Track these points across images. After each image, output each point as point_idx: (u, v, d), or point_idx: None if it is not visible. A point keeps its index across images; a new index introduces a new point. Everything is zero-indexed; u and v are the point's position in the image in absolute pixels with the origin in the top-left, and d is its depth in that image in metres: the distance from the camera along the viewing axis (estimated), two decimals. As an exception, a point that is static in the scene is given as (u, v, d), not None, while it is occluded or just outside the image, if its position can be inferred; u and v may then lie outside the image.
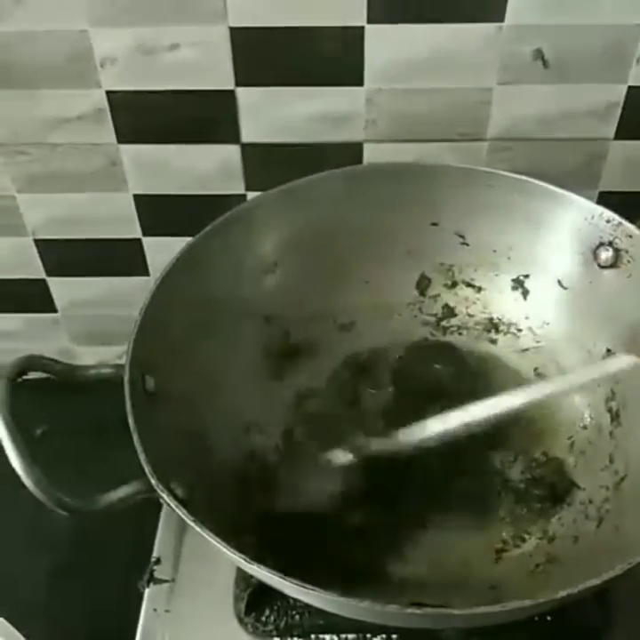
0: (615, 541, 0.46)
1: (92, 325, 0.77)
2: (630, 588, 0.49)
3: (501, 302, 0.61)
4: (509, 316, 0.61)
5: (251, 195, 0.66)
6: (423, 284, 0.63)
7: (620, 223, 0.54)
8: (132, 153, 0.64)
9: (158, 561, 0.56)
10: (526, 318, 0.60)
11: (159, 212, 0.68)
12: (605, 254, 0.55)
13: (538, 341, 0.60)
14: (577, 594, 0.37)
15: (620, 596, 0.51)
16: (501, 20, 0.56)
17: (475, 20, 0.57)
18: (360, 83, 0.60)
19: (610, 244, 0.55)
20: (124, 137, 0.63)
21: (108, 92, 0.60)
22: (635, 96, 0.60)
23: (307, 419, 0.58)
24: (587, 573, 0.38)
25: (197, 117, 0.62)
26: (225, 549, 0.39)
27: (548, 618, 0.50)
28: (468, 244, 0.61)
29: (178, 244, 0.54)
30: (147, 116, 0.62)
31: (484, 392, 0.57)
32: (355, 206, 0.59)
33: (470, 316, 0.62)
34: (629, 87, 0.60)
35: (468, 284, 0.62)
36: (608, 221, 0.55)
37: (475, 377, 0.59)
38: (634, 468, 0.50)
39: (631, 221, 0.54)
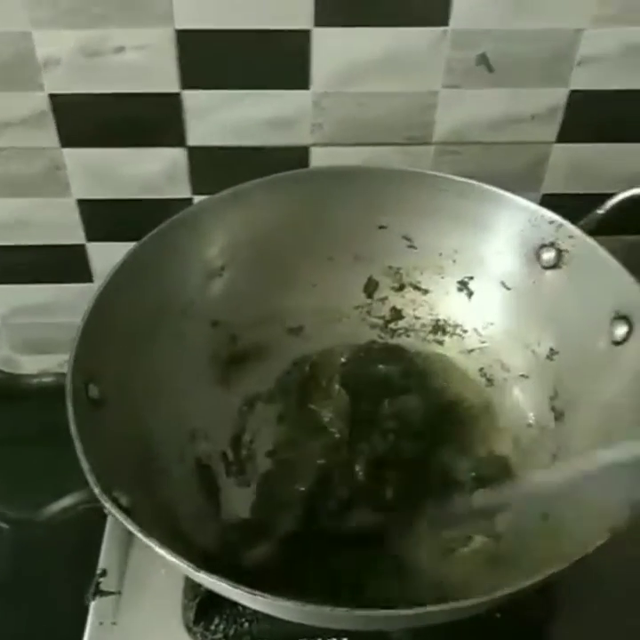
0: (560, 537, 0.46)
1: (34, 333, 0.76)
2: (575, 581, 0.49)
3: (447, 304, 0.62)
4: (455, 317, 0.62)
5: (197, 198, 0.66)
6: (371, 287, 0.63)
7: (562, 224, 0.55)
8: (75, 157, 0.63)
9: (104, 573, 0.55)
10: (471, 319, 0.61)
11: (103, 217, 0.67)
12: (548, 255, 0.56)
13: (483, 342, 0.60)
14: (519, 591, 0.38)
15: (566, 589, 0.51)
16: (446, 24, 0.57)
17: (420, 23, 0.57)
18: (306, 86, 0.60)
19: (552, 244, 0.56)
20: (67, 141, 0.62)
21: (51, 95, 0.59)
22: (576, 99, 0.61)
23: (254, 424, 0.57)
24: (533, 570, 0.39)
25: (143, 120, 0.62)
26: (171, 558, 0.38)
27: (498, 615, 0.51)
28: (415, 247, 0.61)
29: (123, 249, 0.53)
30: (91, 120, 0.61)
31: (431, 392, 0.59)
32: (302, 210, 0.59)
33: (417, 318, 0.63)
34: (571, 91, 0.61)
35: (415, 287, 0.62)
36: (550, 223, 0.55)
37: (422, 377, 0.60)
38: (577, 465, 0.51)
39: (573, 222, 0.55)
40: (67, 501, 0.42)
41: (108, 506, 0.40)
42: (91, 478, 0.41)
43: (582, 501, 0.45)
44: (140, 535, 0.39)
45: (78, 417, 0.43)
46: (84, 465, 0.41)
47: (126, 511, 0.41)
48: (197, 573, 0.38)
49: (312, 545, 0.50)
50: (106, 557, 0.56)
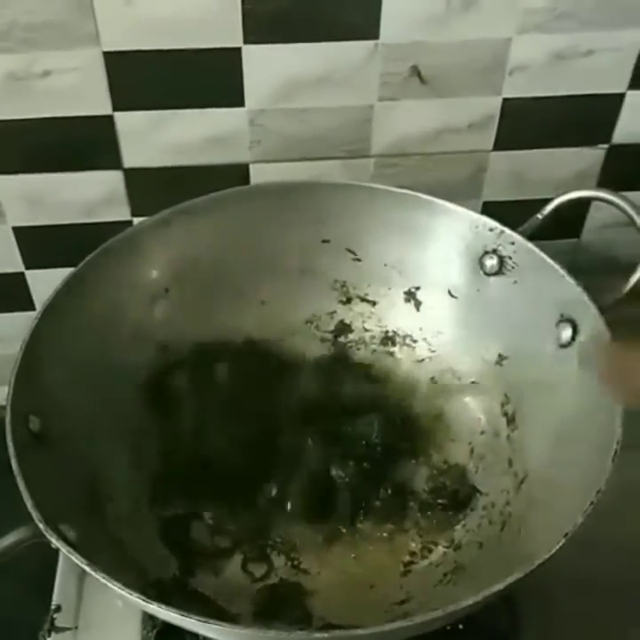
0: (518, 544, 0.47)
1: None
2: (536, 589, 0.49)
3: (396, 315, 0.62)
4: (404, 327, 0.62)
5: (137, 221, 0.65)
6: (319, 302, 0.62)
7: (503, 231, 0.55)
8: (8, 184, 0.62)
9: (58, 608, 0.53)
10: (420, 329, 0.61)
11: (42, 244, 0.66)
12: (490, 262, 0.56)
13: (433, 351, 0.60)
14: (482, 600, 0.38)
15: (527, 598, 0.51)
16: (376, 37, 0.57)
17: (351, 37, 0.57)
18: (241, 103, 0.60)
19: (494, 251, 0.56)
20: (-1, 167, 0.61)
21: (-22, 122, 0.58)
22: (509, 107, 0.62)
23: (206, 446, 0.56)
24: (493, 579, 0.39)
25: (76, 144, 0.61)
26: (121, 590, 0.37)
27: (460, 626, 0.50)
28: (359, 260, 0.61)
29: (64, 275, 0.52)
30: (22, 146, 0.60)
31: (384, 405, 0.59)
32: (244, 227, 0.59)
33: (366, 330, 0.62)
34: (504, 99, 0.62)
35: (363, 299, 0.62)
36: (491, 230, 0.56)
37: (374, 391, 0.59)
38: (532, 469, 0.51)
39: (513, 229, 0.55)
40: (10, 539, 0.40)
41: (54, 541, 0.39)
42: (35, 514, 0.39)
43: (537, 508, 0.45)
44: (88, 569, 0.38)
45: (19, 450, 0.42)
46: (27, 501, 0.40)
47: (73, 545, 0.39)
48: (148, 604, 0.37)
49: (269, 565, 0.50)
50: (60, 592, 0.55)
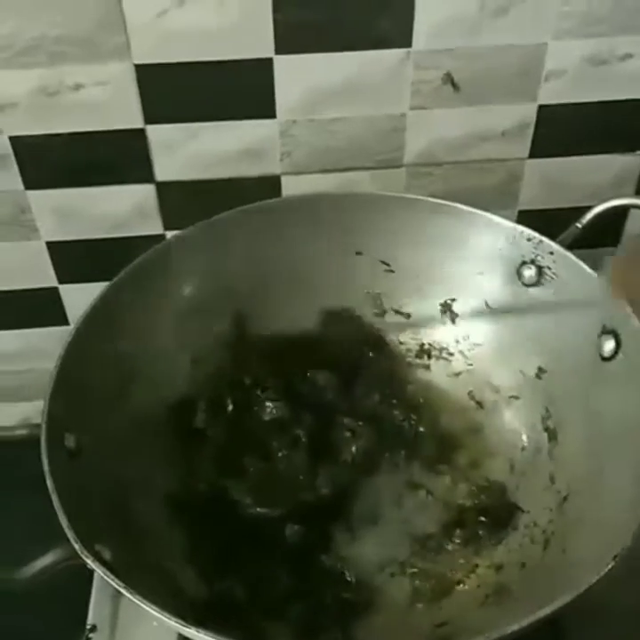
0: (563, 564, 0.45)
1: (10, 381, 0.73)
2: (578, 609, 0.48)
3: (431, 328, 0.60)
4: (440, 340, 0.60)
5: (169, 234, 0.65)
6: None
7: (541, 241, 0.54)
8: (41, 199, 0.62)
9: (94, 628, 0.53)
10: (457, 342, 0.60)
11: (75, 258, 0.66)
12: (529, 272, 0.55)
13: (470, 364, 0.59)
14: (528, 626, 0.36)
15: (569, 618, 0.50)
16: (409, 45, 0.57)
17: (383, 46, 0.57)
18: (273, 115, 0.59)
19: (532, 262, 0.55)
20: (31, 183, 0.61)
21: (11, 138, 0.58)
22: (545, 114, 0.61)
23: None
24: (537, 601, 0.37)
25: (108, 158, 0.61)
26: (160, 616, 0.36)
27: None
28: (393, 271, 0.60)
29: (97, 289, 0.52)
30: (54, 160, 0.60)
31: (422, 420, 0.57)
32: (275, 240, 0.58)
33: (401, 343, 0.61)
34: (540, 106, 0.61)
35: (397, 312, 0.61)
36: (529, 239, 0.55)
37: (411, 405, 0.58)
38: (575, 486, 0.50)
39: (551, 238, 0.54)
40: (48, 559, 0.40)
41: (90, 562, 0.38)
42: (70, 534, 0.39)
43: (582, 527, 0.44)
44: (124, 591, 0.37)
45: (54, 468, 0.41)
46: (63, 520, 0.39)
47: (109, 566, 0.39)
48: (188, 629, 0.36)
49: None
50: (95, 612, 0.54)
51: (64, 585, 0.46)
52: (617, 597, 0.45)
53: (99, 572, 0.38)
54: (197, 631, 0.36)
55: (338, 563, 0.51)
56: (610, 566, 0.38)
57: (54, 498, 0.40)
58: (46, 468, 0.41)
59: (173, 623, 0.36)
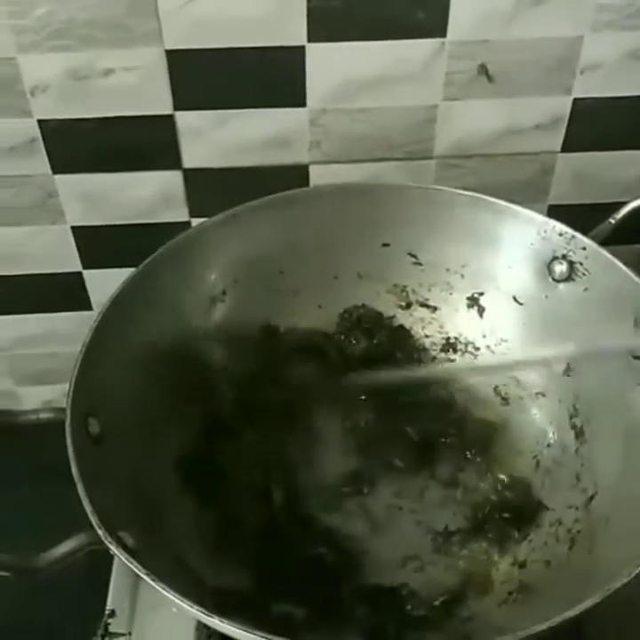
0: (589, 564, 0.44)
1: (34, 364, 0.74)
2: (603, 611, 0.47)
3: (458, 321, 0.60)
4: (466, 334, 0.60)
5: (195, 222, 0.64)
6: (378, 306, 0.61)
7: (574, 236, 0.53)
8: (68, 183, 0.62)
9: (113, 613, 0.53)
10: (483, 336, 0.59)
11: (100, 244, 0.66)
12: (560, 268, 0.54)
13: (497, 359, 0.59)
14: (553, 627, 0.36)
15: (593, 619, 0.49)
16: (443, 35, 0.56)
17: (417, 36, 0.56)
18: (303, 103, 0.59)
19: (564, 257, 0.54)
20: (58, 167, 0.61)
21: (39, 121, 0.58)
22: (580, 108, 0.60)
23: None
24: (562, 600, 0.37)
25: (136, 144, 0.60)
26: (182, 603, 0.36)
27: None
28: (420, 264, 0.59)
29: (121, 275, 0.52)
30: (82, 145, 0.60)
31: (445, 413, 0.57)
32: (302, 229, 0.58)
33: (427, 336, 0.61)
34: (574, 99, 0.60)
35: (423, 305, 0.60)
36: (561, 234, 0.54)
37: (436, 399, 0.58)
38: (603, 485, 0.49)
39: (583, 233, 0.53)
40: (68, 545, 0.39)
41: (114, 548, 0.38)
42: (94, 520, 0.39)
43: (609, 527, 0.43)
44: (147, 579, 0.37)
45: (78, 454, 0.41)
46: (87, 506, 0.39)
47: (132, 553, 0.38)
48: (210, 619, 0.36)
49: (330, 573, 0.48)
50: (114, 597, 0.54)
51: (84, 570, 0.47)
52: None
53: (121, 558, 0.38)
54: (220, 621, 0.36)
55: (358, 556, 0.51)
56: (639, 570, 0.37)
57: (79, 484, 0.40)
58: (71, 453, 0.41)
59: (195, 611, 0.36)
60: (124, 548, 0.39)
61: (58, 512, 0.41)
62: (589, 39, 0.57)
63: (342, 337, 0.60)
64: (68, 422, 0.43)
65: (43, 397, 0.75)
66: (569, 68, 0.58)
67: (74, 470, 0.40)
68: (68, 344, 0.58)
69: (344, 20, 0.55)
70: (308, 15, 0.54)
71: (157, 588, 0.36)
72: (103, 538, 0.38)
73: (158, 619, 0.52)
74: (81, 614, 0.55)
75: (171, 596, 0.36)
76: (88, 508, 0.39)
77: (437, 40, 0.56)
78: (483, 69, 0.58)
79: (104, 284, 0.61)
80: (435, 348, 0.61)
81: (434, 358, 0.60)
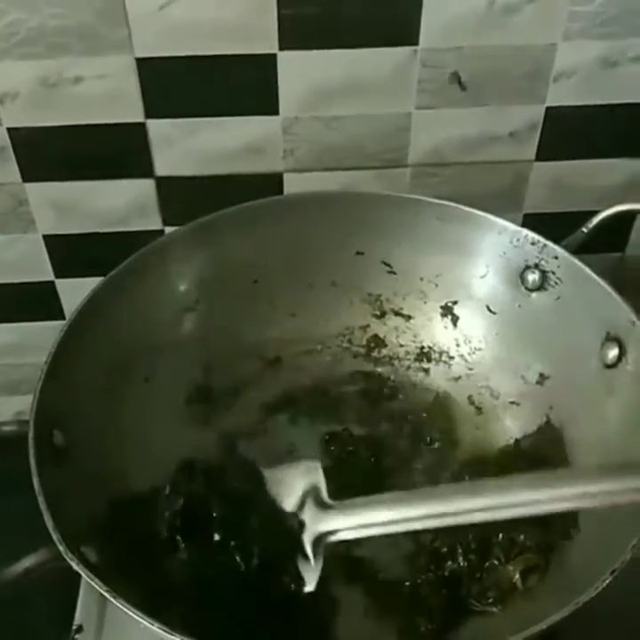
0: (560, 578, 0.44)
1: (6, 375, 0.73)
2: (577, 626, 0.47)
3: (432, 330, 0.60)
4: (440, 343, 0.60)
5: (169, 230, 0.64)
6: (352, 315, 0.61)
7: (546, 245, 0.53)
8: (39, 192, 0.61)
9: (80, 628, 0.52)
10: (457, 345, 0.59)
11: (72, 253, 0.65)
12: (532, 277, 0.54)
13: (470, 368, 0.58)
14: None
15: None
16: (416, 43, 0.56)
17: (389, 43, 0.56)
18: (276, 111, 0.58)
19: (536, 266, 0.54)
20: (29, 175, 0.60)
21: (9, 129, 0.58)
22: (553, 116, 0.60)
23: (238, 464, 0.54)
24: (534, 615, 0.37)
25: (107, 152, 0.60)
26: (143, 621, 0.35)
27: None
28: (394, 273, 0.59)
29: (94, 284, 0.51)
30: (53, 153, 0.59)
31: (421, 425, 0.57)
32: (276, 238, 0.57)
33: (401, 345, 0.60)
34: (547, 107, 0.60)
35: (397, 313, 0.60)
36: (533, 243, 0.54)
37: (408, 409, 0.57)
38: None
39: (555, 242, 0.53)
40: (29, 561, 0.39)
41: (75, 565, 0.37)
42: (55, 536, 0.38)
43: (581, 540, 0.43)
44: (108, 596, 0.36)
45: (41, 467, 0.41)
46: (48, 521, 0.38)
47: (94, 568, 0.38)
48: (173, 637, 0.35)
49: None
50: (82, 612, 0.53)
51: (53, 584, 0.46)
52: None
53: (83, 575, 0.37)
54: (182, 638, 0.35)
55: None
56: (607, 582, 0.37)
57: (40, 497, 0.39)
58: (33, 467, 0.41)
59: (156, 629, 0.35)
60: (86, 563, 0.38)
61: (26, 526, 0.40)
62: (562, 47, 0.57)
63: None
64: (30, 434, 0.42)
65: (14, 408, 0.74)
66: (542, 76, 0.58)
67: (35, 484, 0.40)
68: (40, 354, 0.57)
69: (316, 27, 0.55)
70: (280, 23, 0.54)
71: (118, 604, 0.36)
72: (64, 553, 0.38)
73: (126, 634, 0.52)
74: (49, 629, 0.54)
75: (131, 612, 0.36)
76: (49, 522, 0.38)
77: (409, 48, 0.56)
78: (455, 77, 0.57)
79: (77, 293, 0.60)
80: (408, 357, 0.60)
81: (408, 368, 0.60)
